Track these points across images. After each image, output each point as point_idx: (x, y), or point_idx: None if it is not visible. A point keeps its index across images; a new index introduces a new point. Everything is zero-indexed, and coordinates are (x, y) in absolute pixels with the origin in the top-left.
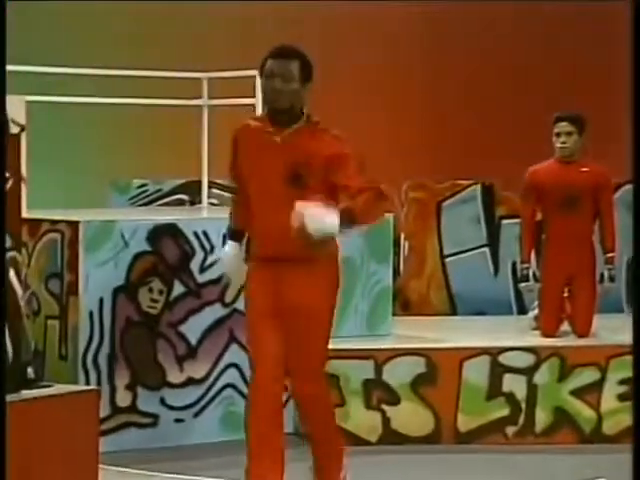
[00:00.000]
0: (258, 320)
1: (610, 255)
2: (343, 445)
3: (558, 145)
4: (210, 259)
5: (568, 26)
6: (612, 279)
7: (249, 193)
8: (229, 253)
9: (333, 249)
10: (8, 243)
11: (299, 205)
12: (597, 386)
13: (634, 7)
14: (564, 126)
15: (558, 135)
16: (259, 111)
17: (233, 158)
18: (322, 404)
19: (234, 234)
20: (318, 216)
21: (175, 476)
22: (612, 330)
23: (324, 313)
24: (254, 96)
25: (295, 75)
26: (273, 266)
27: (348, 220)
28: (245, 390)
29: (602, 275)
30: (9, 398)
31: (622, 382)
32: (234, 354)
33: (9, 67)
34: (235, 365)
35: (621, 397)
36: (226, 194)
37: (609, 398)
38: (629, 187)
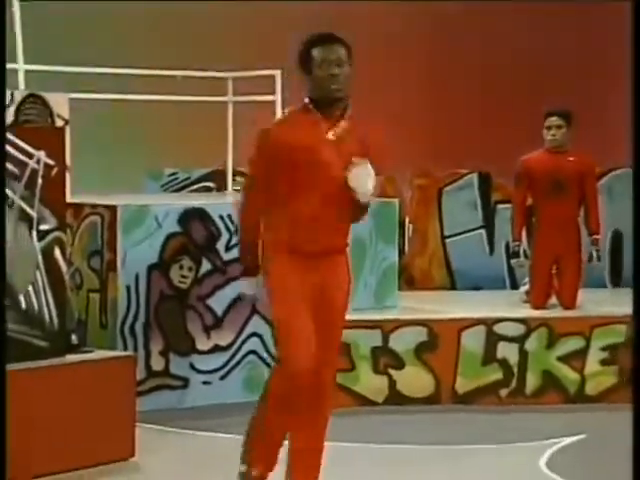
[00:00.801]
0: (299, 309)
1: (595, 237)
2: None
3: (549, 137)
4: (235, 239)
5: (561, 27)
6: (599, 258)
7: (294, 190)
8: (259, 286)
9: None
10: (54, 224)
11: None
12: (581, 352)
13: (634, 7)
14: (554, 120)
15: (549, 128)
16: (279, 107)
17: (267, 160)
18: (330, 392)
19: (253, 269)
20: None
21: (203, 433)
22: (596, 303)
23: (347, 303)
24: (273, 93)
25: (345, 60)
26: (313, 258)
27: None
28: (265, 356)
29: (590, 254)
30: (56, 361)
31: (604, 349)
32: (256, 324)
33: (55, 67)
34: (257, 334)
35: (603, 362)
36: None
37: (592, 363)
38: (611, 175)
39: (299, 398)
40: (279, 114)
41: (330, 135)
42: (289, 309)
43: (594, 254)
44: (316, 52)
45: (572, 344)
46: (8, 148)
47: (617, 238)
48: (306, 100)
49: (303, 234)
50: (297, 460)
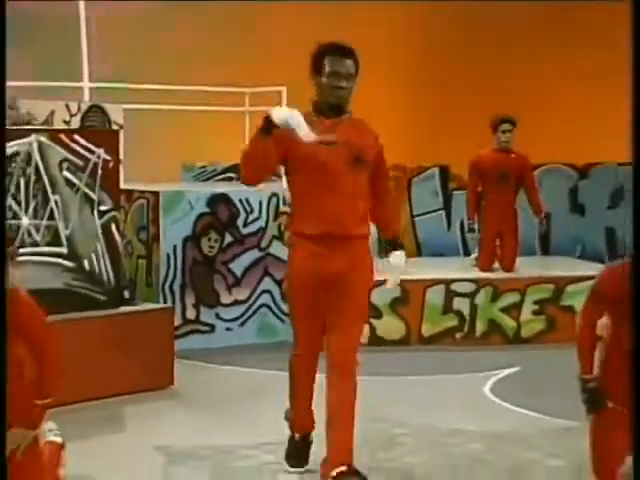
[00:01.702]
0: (306, 312)
1: (540, 216)
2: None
3: (502, 139)
4: (251, 218)
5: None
6: (545, 229)
7: (304, 181)
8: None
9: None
10: (111, 205)
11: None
12: (518, 305)
13: (634, 7)
14: (507, 126)
15: (503, 132)
16: None
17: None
18: (355, 357)
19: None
20: None
21: (226, 367)
22: (528, 267)
23: (368, 282)
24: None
25: (354, 74)
26: (328, 246)
27: None
28: (274, 308)
29: (539, 227)
30: (112, 311)
31: (535, 302)
32: (267, 283)
33: (112, 84)
34: (268, 291)
35: (534, 312)
36: None
37: (526, 313)
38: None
39: (301, 374)
40: None
41: (333, 130)
42: (298, 312)
43: (541, 226)
44: (328, 61)
45: (511, 298)
46: (76, 147)
47: (546, 217)
48: (313, 104)
49: (316, 225)
50: (333, 416)
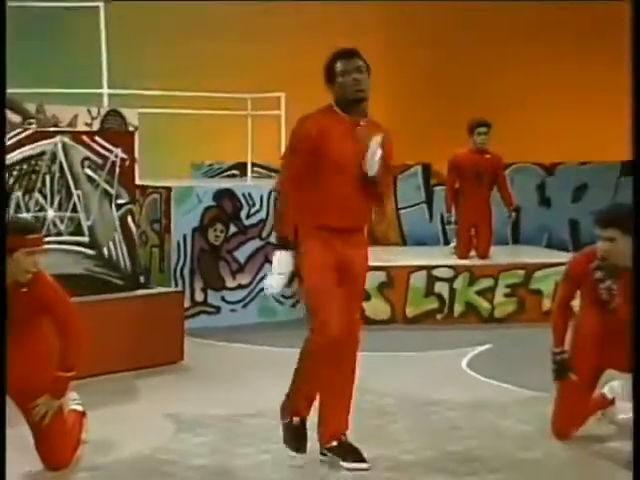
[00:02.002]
0: (329, 283)
1: (511, 209)
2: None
3: (479, 141)
4: (253, 210)
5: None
6: (515, 221)
7: (326, 177)
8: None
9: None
10: (127, 199)
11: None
12: (491, 289)
13: (634, 7)
14: (482, 129)
15: (479, 135)
16: (283, 119)
17: (307, 148)
18: (357, 348)
19: (288, 243)
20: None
21: (231, 344)
22: (501, 255)
23: (366, 271)
24: (279, 109)
25: (364, 68)
26: (341, 235)
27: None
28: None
29: (509, 218)
30: (129, 294)
31: (507, 286)
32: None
33: (128, 91)
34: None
35: (506, 295)
36: (263, 171)
37: (499, 296)
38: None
39: (335, 355)
40: (283, 125)
41: (352, 130)
42: (322, 283)
43: (511, 218)
44: (339, 64)
45: (485, 283)
46: (96, 147)
47: (516, 210)
48: (335, 101)
49: (333, 215)
50: (330, 399)
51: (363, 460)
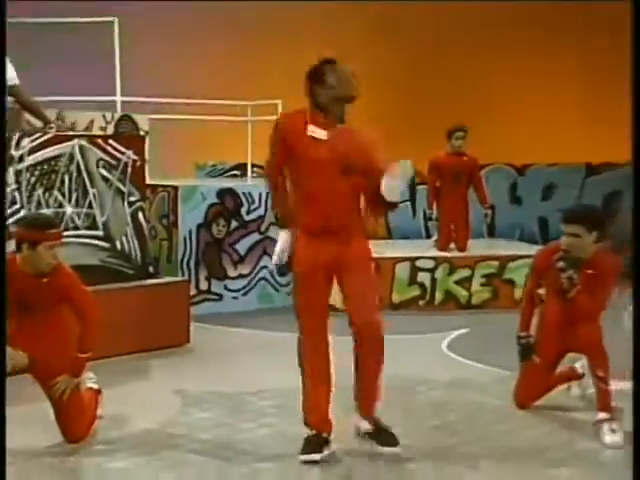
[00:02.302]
0: (312, 278)
1: (486, 206)
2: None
3: (456, 144)
4: (252, 207)
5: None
6: (490, 219)
7: (304, 180)
8: (286, 239)
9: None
10: (138, 197)
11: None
12: (469, 278)
13: (634, 7)
14: (459, 134)
15: (457, 138)
16: None
17: (281, 138)
18: (381, 331)
19: (284, 223)
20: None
21: (232, 329)
22: (477, 248)
23: (370, 264)
24: (276, 115)
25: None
26: (327, 236)
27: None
28: (271, 281)
29: (485, 216)
30: (140, 283)
31: (483, 276)
32: (265, 261)
33: (139, 98)
34: (266, 267)
35: (482, 284)
36: (262, 171)
37: (475, 284)
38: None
39: (311, 355)
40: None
41: (327, 134)
42: (302, 295)
43: (487, 216)
44: (329, 67)
45: (463, 273)
46: (110, 149)
47: (491, 207)
48: (314, 105)
49: (314, 216)
50: (366, 385)
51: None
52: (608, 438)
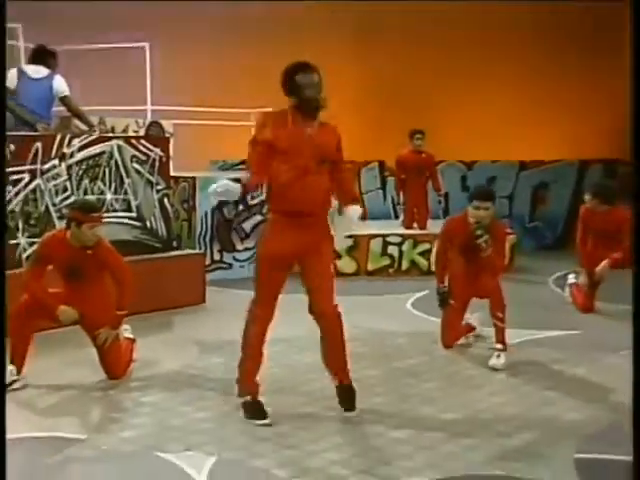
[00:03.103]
0: (273, 261)
1: (440, 194)
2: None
3: (417, 144)
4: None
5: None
6: (442, 204)
7: (278, 165)
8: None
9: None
10: (164, 186)
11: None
12: (428, 251)
13: (634, 7)
14: (419, 136)
15: (417, 139)
16: None
17: (262, 132)
18: (338, 317)
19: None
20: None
21: (240, 291)
22: (435, 226)
23: (332, 249)
24: None
25: (321, 84)
26: (299, 219)
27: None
28: None
29: (439, 202)
30: (165, 255)
31: None
32: None
33: (166, 107)
34: None
35: None
36: None
37: (433, 255)
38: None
39: (256, 325)
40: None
41: (307, 130)
42: (262, 276)
43: (441, 202)
44: (300, 78)
45: (424, 246)
46: (142, 148)
47: (444, 195)
48: (292, 106)
49: (289, 202)
50: (332, 357)
51: None
52: (494, 360)
